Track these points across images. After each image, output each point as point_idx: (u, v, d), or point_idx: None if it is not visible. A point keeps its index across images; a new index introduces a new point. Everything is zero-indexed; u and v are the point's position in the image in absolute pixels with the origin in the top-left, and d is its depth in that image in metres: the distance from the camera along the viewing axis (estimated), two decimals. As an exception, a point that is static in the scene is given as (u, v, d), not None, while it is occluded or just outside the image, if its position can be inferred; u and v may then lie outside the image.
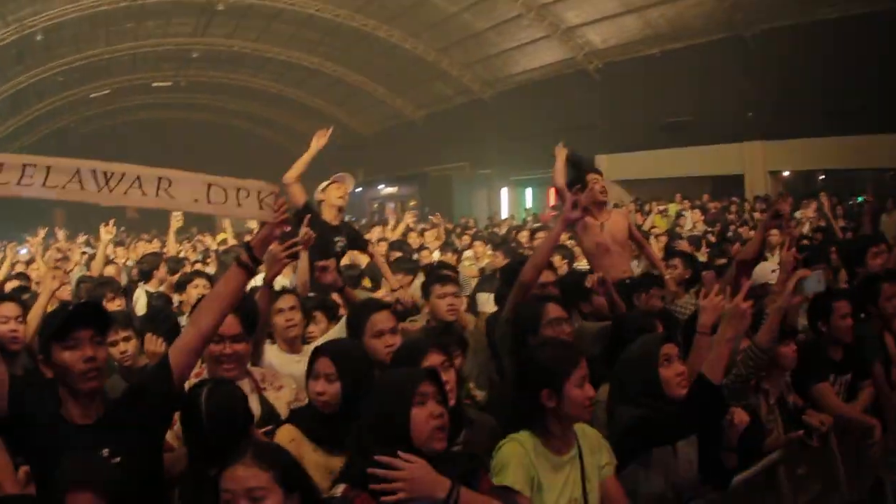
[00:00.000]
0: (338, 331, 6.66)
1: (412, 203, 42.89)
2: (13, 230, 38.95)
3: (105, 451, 4.07)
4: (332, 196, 10.27)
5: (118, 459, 4.07)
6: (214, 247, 19.59)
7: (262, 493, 3.46)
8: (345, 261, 11.37)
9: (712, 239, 18.03)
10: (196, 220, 35.15)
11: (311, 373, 5.07)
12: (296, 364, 6.58)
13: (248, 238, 8.89)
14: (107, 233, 13.27)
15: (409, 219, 18.88)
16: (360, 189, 50.71)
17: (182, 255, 16.33)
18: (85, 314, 4.30)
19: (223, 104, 59.04)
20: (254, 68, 50.18)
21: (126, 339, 7.21)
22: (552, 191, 41.52)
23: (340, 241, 10.23)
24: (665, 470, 5.13)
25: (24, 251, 19.22)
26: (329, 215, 10.22)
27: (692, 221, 22.71)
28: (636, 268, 11.14)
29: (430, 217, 23.02)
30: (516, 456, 4.44)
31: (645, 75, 33.27)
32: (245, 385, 5.31)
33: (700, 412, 4.94)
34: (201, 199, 4.64)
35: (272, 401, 5.50)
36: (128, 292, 11.18)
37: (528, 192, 44.24)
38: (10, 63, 38.76)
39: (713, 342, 5.09)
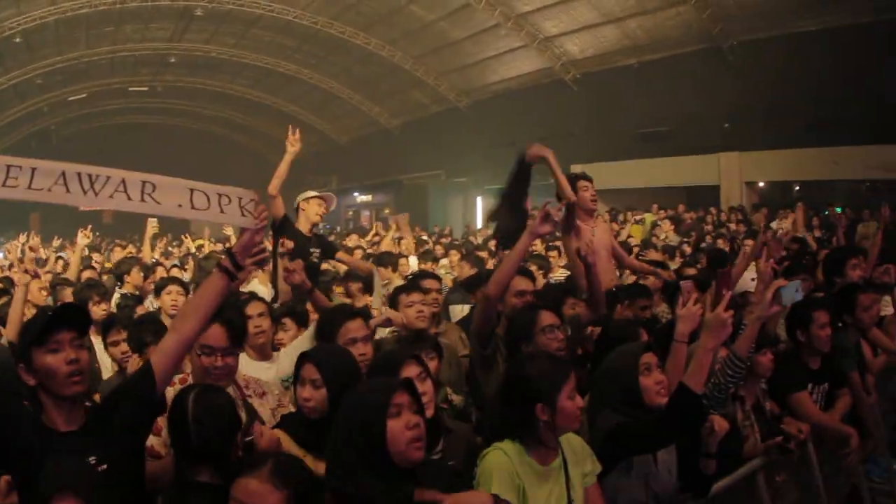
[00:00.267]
0: (307, 337, 6.67)
1: (386, 211, 42.89)
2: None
3: (92, 459, 4.05)
4: (312, 211, 10.37)
5: (105, 467, 4.06)
6: (193, 249, 19.61)
7: None
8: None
9: (687, 249, 18.10)
10: (171, 227, 35.10)
11: (297, 379, 5.06)
12: (265, 371, 6.62)
13: (227, 245, 8.88)
14: (84, 237, 13.23)
15: (402, 224, 18.90)
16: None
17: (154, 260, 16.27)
18: (65, 316, 4.28)
19: (200, 109, 59.04)
20: (231, 74, 50.24)
21: (127, 339, 7.21)
22: (527, 200, 41.61)
23: (316, 252, 10.31)
24: (645, 478, 5.14)
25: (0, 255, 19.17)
26: (304, 227, 10.31)
27: (664, 232, 22.78)
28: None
29: (393, 217, 22.99)
30: (501, 465, 4.45)
31: (622, 85, 33.34)
32: (230, 392, 5.29)
33: (681, 421, 4.96)
34: (185, 204, 4.64)
35: (256, 407, 5.45)
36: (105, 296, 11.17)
37: (503, 201, 44.30)
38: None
39: (694, 351, 5.10)
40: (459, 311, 9.90)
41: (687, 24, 30.25)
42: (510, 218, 9.25)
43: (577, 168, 9.45)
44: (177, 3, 37.52)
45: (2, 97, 43.53)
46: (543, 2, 33.03)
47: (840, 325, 7.84)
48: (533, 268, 11.20)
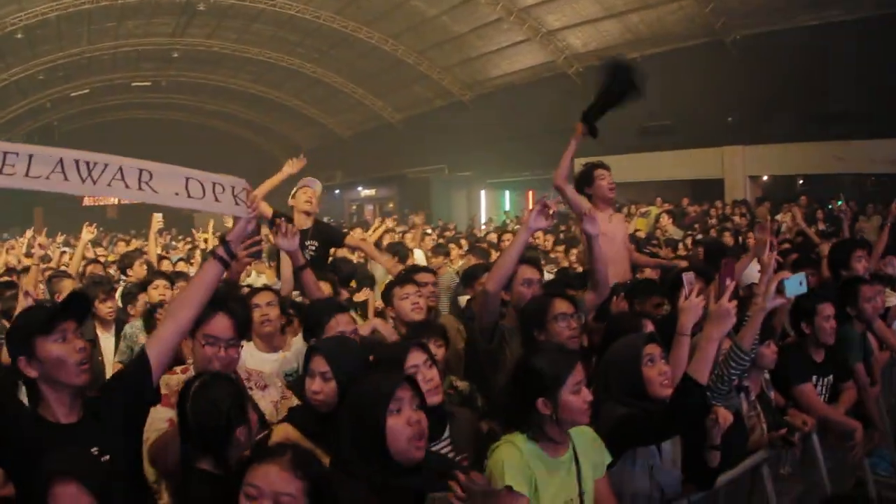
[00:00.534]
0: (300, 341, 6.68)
1: (390, 205, 42.89)
2: (-7, 229, 38.93)
3: (94, 450, 4.02)
4: (300, 201, 10.24)
5: (107, 458, 4.04)
6: (202, 244, 19.64)
7: (289, 501, 3.32)
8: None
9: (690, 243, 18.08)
10: (176, 221, 35.09)
11: (307, 371, 5.04)
12: (270, 363, 6.62)
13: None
14: (88, 232, 13.20)
15: (389, 223, 18.85)
16: (338, 191, 50.74)
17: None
18: (70, 306, 4.29)
19: (203, 104, 59.06)
20: (233, 69, 50.21)
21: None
22: (530, 193, 41.85)
23: (312, 246, 10.17)
24: (650, 469, 5.12)
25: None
26: (299, 221, 10.12)
27: (664, 225, 22.77)
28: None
29: (410, 217, 22.97)
30: (512, 458, 4.43)
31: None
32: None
33: (685, 412, 4.91)
34: (182, 193, 4.69)
35: (258, 400, 5.41)
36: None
37: (507, 194, 44.27)
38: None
39: (699, 342, 5.08)
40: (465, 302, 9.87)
41: (689, 18, 30.28)
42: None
43: (580, 162, 9.42)
44: (178, -2, 37.51)
45: (4, 93, 43.61)
46: (545, -5, 33.03)
47: (846, 317, 7.83)
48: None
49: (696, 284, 5.48)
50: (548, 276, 11.17)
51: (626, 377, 5.20)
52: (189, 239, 27.11)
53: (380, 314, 9.48)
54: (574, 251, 14.51)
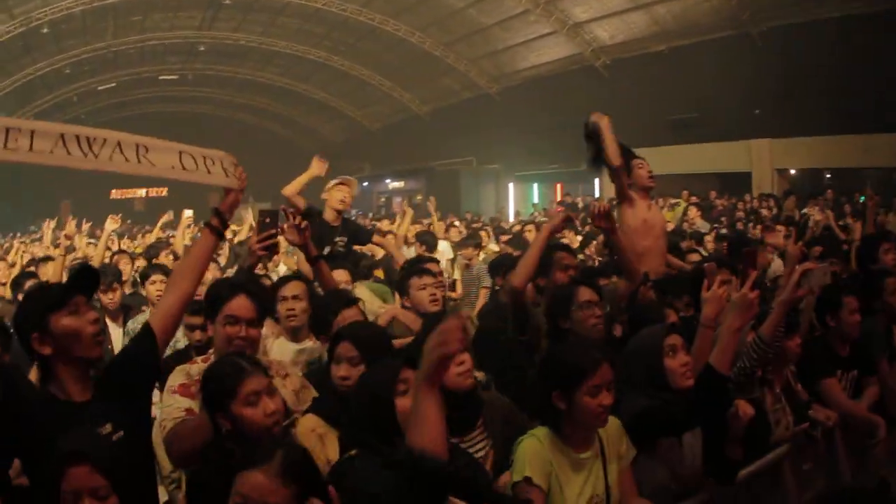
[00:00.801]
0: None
1: (418, 198, 42.92)
2: (21, 222, 39.19)
3: (108, 427, 4.08)
4: (334, 198, 10.26)
5: (121, 434, 4.10)
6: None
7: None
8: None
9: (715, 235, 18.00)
10: (206, 215, 35.21)
11: (332, 357, 5.11)
12: (292, 353, 6.63)
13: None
14: (112, 222, 13.24)
15: (409, 213, 18.87)
16: (366, 183, 50.80)
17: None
18: (80, 279, 4.39)
19: (230, 97, 59.16)
20: (260, 62, 50.33)
21: None
22: (558, 186, 41.80)
23: (341, 241, 10.23)
24: (670, 461, 5.09)
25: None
26: (329, 216, 10.21)
27: (692, 217, 22.68)
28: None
29: (427, 205, 22.96)
30: (533, 450, 4.45)
31: (652, 72, 33.20)
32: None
33: (707, 402, 4.89)
34: (177, 166, 4.76)
35: (278, 388, 5.36)
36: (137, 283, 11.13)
37: (535, 187, 44.20)
38: (18, 55, 38.87)
39: (720, 333, 5.03)
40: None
41: (716, 10, 30.14)
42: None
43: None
44: (204, -8, 37.57)
45: (30, 88, 43.83)
46: (572, -13, 32.95)
47: (871, 311, 7.74)
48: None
49: (718, 275, 5.45)
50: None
51: (648, 368, 5.18)
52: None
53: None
54: (593, 243, 14.42)
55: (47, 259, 12.55)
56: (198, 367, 5.11)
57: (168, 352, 7.63)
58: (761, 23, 29.28)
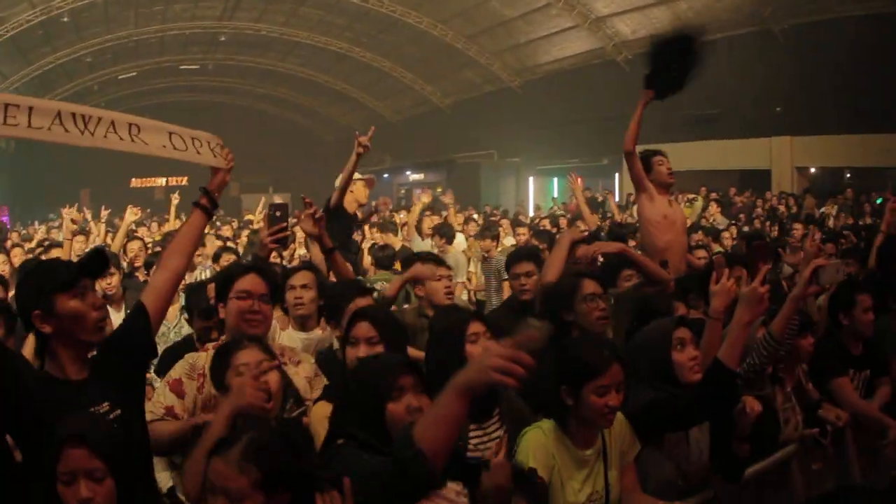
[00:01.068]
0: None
1: (438, 190, 43.02)
2: (41, 211, 39.35)
3: (106, 405, 4.13)
4: (362, 194, 10.45)
5: (118, 412, 4.15)
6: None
7: (239, 496, 3.26)
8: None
9: (734, 231, 17.98)
10: (224, 203, 35.27)
11: (348, 340, 5.14)
12: (301, 341, 6.67)
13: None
14: (132, 213, 13.32)
15: (426, 198, 18.84)
16: (387, 175, 50.90)
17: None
18: (93, 262, 4.44)
19: (251, 88, 59.33)
20: (282, 52, 50.34)
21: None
22: (579, 180, 41.58)
23: (357, 235, 10.45)
24: (676, 456, 5.07)
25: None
26: (351, 208, 10.33)
27: (712, 214, 22.66)
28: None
29: (442, 198, 22.98)
30: (538, 442, 4.47)
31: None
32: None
33: (715, 397, 4.86)
34: (168, 145, 4.88)
35: (291, 376, 5.41)
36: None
37: (555, 181, 44.13)
38: (38, 44, 39.07)
39: (730, 327, 4.99)
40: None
41: (738, 6, 30.05)
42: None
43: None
44: (225, -18, 37.61)
45: (51, 76, 44.09)
46: (594, -19, 32.92)
47: (886, 309, 7.68)
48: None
49: (727, 269, 5.41)
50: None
51: (656, 361, 5.15)
52: (235, 220, 27.43)
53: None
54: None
55: (53, 246, 12.55)
56: (206, 356, 5.16)
57: (174, 337, 7.66)
58: (783, 20, 29.15)
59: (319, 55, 49.26)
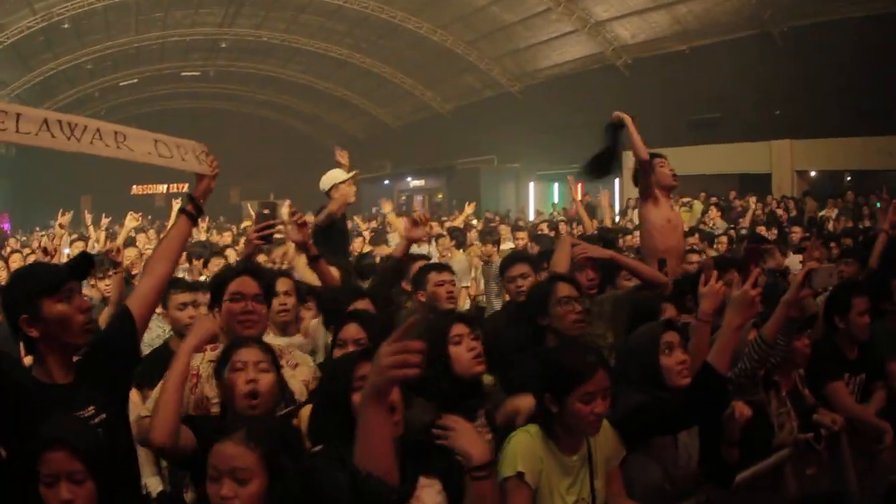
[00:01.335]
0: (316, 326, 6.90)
1: (439, 196, 42.96)
2: (41, 217, 39.45)
3: (91, 409, 4.14)
4: (350, 193, 10.42)
5: (104, 416, 4.17)
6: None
7: (247, 475, 3.43)
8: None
9: (732, 234, 17.98)
10: (223, 210, 35.27)
11: (336, 342, 5.23)
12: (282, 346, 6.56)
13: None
14: (132, 220, 13.38)
15: (386, 208, 18.99)
16: (387, 181, 50.97)
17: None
18: (79, 265, 4.47)
19: (252, 94, 59.49)
20: (282, 59, 50.50)
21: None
22: (579, 186, 41.56)
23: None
24: (664, 461, 5.02)
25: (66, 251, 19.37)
26: (339, 211, 10.38)
27: (712, 219, 22.64)
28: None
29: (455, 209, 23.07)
30: (525, 445, 4.41)
31: (673, 71, 33.14)
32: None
33: (704, 401, 4.80)
34: (153, 153, 4.95)
35: (288, 379, 5.33)
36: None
37: (555, 186, 44.12)
38: (39, 50, 39.14)
39: (720, 331, 4.94)
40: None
41: (737, 10, 30.06)
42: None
43: (628, 154, 9.33)
44: (225, -11, 37.66)
45: (52, 83, 44.23)
46: (593, -15, 32.95)
47: (882, 313, 7.62)
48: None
49: (715, 271, 5.38)
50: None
51: (644, 365, 5.10)
52: (234, 227, 27.52)
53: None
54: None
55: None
56: (201, 356, 5.17)
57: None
58: (782, 23, 29.14)
59: (320, 61, 49.39)
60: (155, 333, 8.25)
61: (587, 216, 14.84)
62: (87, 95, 48.97)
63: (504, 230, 17.85)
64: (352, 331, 5.10)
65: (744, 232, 18.43)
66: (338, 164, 10.35)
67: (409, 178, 53.50)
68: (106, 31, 40.29)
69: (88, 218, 18.50)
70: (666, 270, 7.59)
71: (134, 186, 56.45)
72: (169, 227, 16.46)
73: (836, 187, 28.45)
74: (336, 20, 42.41)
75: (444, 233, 15.48)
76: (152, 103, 55.13)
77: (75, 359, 4.35)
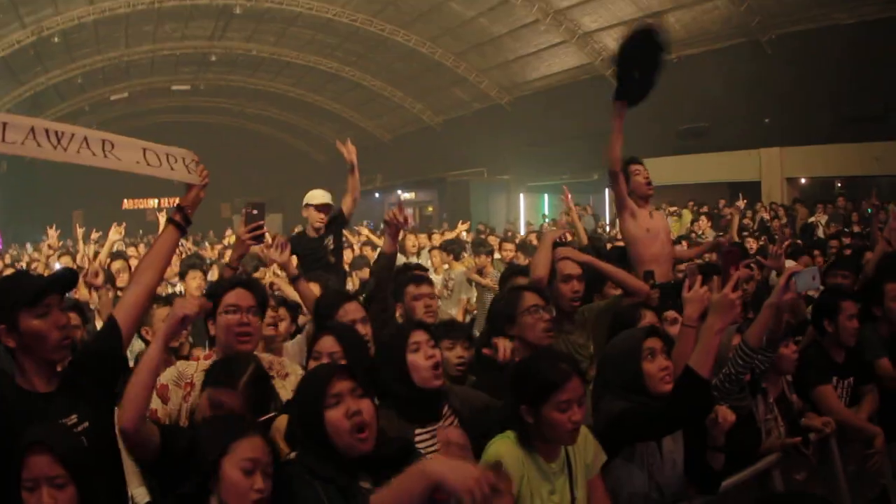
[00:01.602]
0: (298, 343, 6.92)
1: (429, 209, 42.94)
2: (32, 232, 39.40)
3: (73, 418, 4.14)
4: (314, 218, 10.60)
5: (86, 425, 4.17)
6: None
7: (268, 467, 3.63)
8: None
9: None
10: (212, 224, 35.20)
11: (312, 354, 5.19)
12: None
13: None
14: (116, 233, 13.36)
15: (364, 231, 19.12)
16: (378, 194, 50.92)
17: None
18: (60, 279, 4.51)
19: (241, 107, 59.55)
20: (272, 72, 50.53)
21: None
22: (569, 195, 41.42)
23: (328, 241, 10.58)
24: (649, 467, 4.98)
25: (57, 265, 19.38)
26: (311, 233, 10.60)
27: (701, 228, 22.67)
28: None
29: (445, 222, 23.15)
30: (507, 448, 4.40)
31: (661, 81, 32.99)
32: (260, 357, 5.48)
33: (687, 406, 4.77)
34: (142, 161, 4.94)
35: (278, 389, 5.45)
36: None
37: (546, 197, 44.15)
38: (29, 64, 39.13)
39: (701, 334, 4.92)
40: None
41: (725, 18, 30.14)
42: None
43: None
44: (215, 2, 37.79)
45: (42, 97, 44.30)
46: (581, -4, 33.06)
47: (871, 317, 7.61)
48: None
49: (700, 276, 5.37)
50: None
51: (626, 372, 5.06)
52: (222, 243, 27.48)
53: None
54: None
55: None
56: (196, 365, 5.27)
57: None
58: (770, 30, 29.19)
59: (310, 74, 49.43)
60: (139, 346, 8.26)
61: (582, 227, 14.85)
62: (77, 109, 48.94)
63: (493, 241, 17.86)
64: (327, 343, 5.07)
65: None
66: (347, 161, 10.30)
67: (399, 191, 53.46)
68: (96, 44, 40.31)
69: (80, 232, 18.50)
70: (652, 282, 7.57)
71: (125, 200, 56.54)
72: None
73: (826, 194, 28.48)
74: (325, 33, 42.44)
75: (436, 245, 15.52)
76: (143, 117, 55.03)
77: (60, 368, 4.35)
